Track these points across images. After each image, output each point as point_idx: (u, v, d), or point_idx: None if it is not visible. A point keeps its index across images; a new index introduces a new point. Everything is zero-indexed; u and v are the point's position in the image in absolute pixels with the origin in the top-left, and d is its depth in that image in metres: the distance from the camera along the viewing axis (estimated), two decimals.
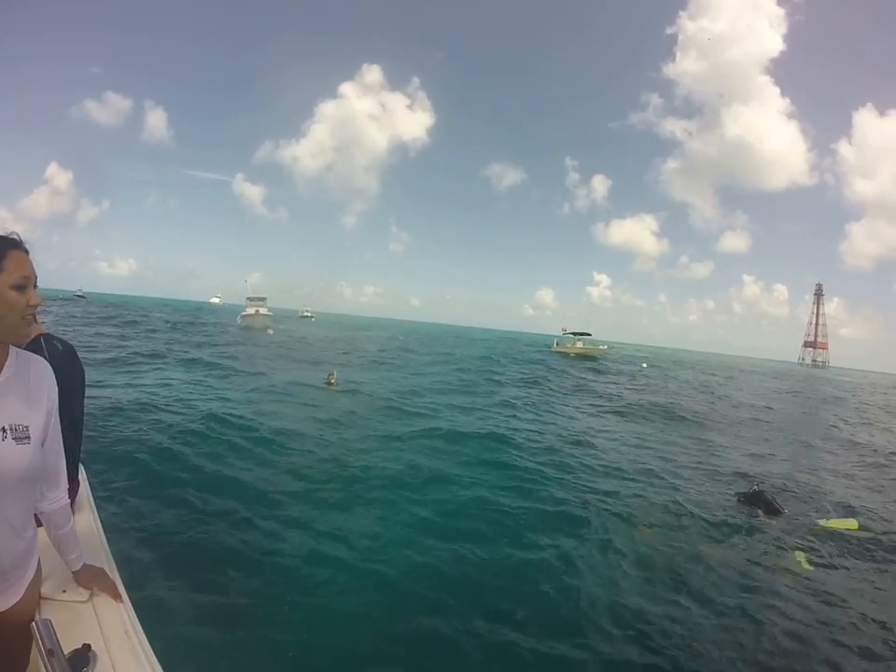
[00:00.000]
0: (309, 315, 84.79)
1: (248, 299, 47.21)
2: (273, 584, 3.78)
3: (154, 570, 3.66)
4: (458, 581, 4.10)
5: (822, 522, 6.21)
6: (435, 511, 5.53)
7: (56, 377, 1.31)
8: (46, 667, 0.80)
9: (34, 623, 0.85)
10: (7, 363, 1.15)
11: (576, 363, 34.09)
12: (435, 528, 5.09)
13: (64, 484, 1.35)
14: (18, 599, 1.23)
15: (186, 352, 18.00)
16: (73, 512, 1.55)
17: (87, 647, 1.14)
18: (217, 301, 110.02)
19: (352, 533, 4.77)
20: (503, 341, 70.92)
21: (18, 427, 1.13)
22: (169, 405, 9.07)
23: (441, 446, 8.29)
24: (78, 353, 1.91)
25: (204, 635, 3.11)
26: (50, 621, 0.87)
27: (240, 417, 8.66)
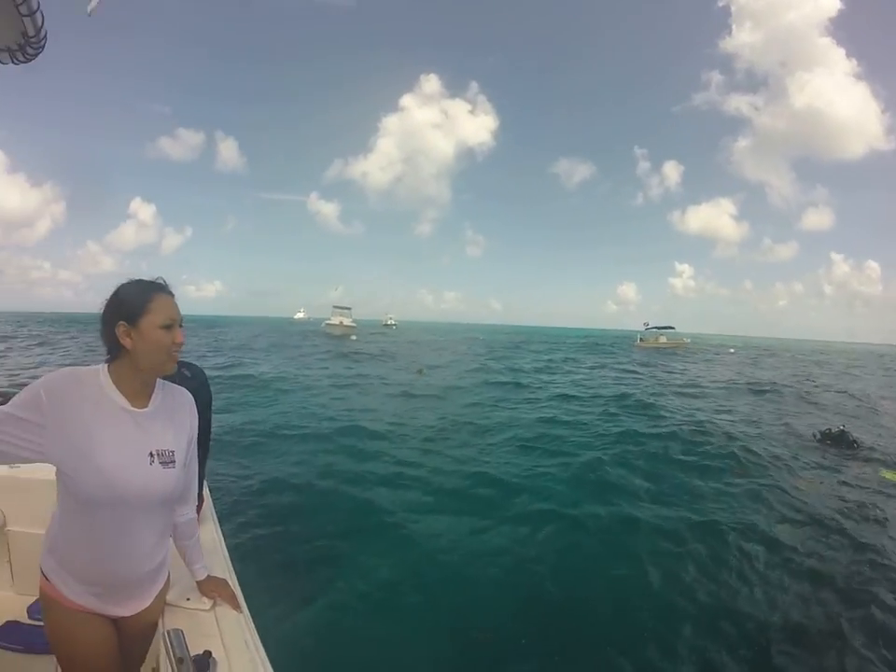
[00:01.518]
0: (392, 323, 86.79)
1: (334, 307, 50.85)
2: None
3: (271, 582, 3.76)
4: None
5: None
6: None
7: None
8: None
9: (165, 632, 0.93)
10: (154, 393, 1.27)
11: (659, 357, 34.08)
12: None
13: (194, 501, 1.48)
14: (147, 606, 1.34)
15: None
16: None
17: (208, 653, 1.18)
18: (301, 316, 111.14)
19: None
20: (582, 339, 67.20)
21: (164, 452, 1.24)
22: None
23: None
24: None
25: (318, 647, 3.19)
26: (182, 631, 0.94)
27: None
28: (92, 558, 1.23)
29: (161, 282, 1.25)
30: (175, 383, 1.59)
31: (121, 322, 1.17)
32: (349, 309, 51.91)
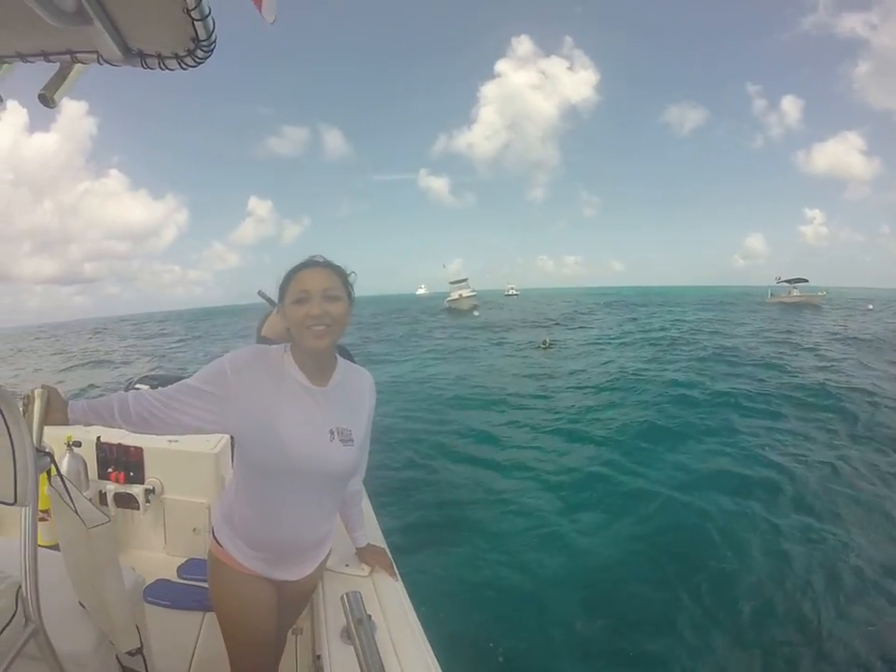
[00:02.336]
0: (514, 292, 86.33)
1: (451, 283, 49.92)
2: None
3: (420, 553, 4.15)
4: None
5: None
6: None
7: None
8: (353, 633, 0.89)
9: (345, 595, 0.94)
10: (335, 372, 1.29)
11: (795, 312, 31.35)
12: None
13: (363, 472, 1.50)
14: (310, 573, 1.38)
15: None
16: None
17: (368, 616, 1.20)
18: (422, 291, 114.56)
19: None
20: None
21: (343, 430, 1.25)
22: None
23: None
24: None
25: (466, 618, 3.41)
26: (360, 593, 0.95)
27: None
28: (266, 527, 1.27)
29: (311, 258, 1.24)
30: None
31: (280, 306, 1.24)
32: (465, 280, 49.95)
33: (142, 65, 1.01)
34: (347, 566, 1.57)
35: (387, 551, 1.67)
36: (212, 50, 0.93)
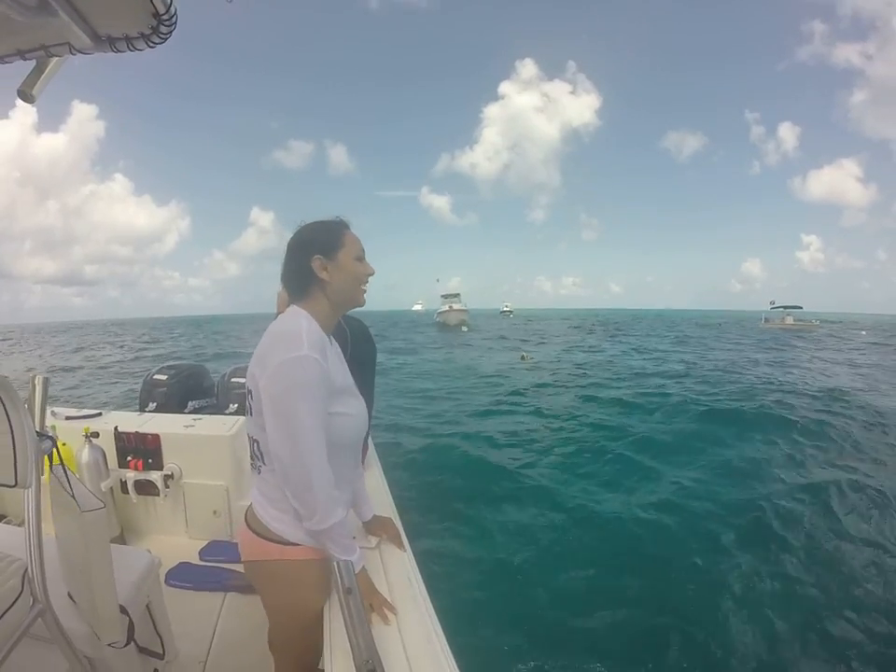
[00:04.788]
0: (508, 310, 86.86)
1: (442, 296, 49.74)
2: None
3: (432, 527, 4.24)
4: None
5: None
6: None
7: (354, 349, 1.70)
8: (342, 602, 0.89)
9: (336, 563, 0.92)
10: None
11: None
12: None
13: None
14: None
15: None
16: (364, 469, 1.82)
17: (357, 591, 1.21)
18: (419, 308, 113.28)
19: None
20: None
21: (353, 384, 1.27)
22: None
23: None
24: None
25: (473, 593, 3.43)
26: (351, 562, 0.95)
27: None
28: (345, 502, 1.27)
29: (343, 220, 1.26)
30: (345, 329, 1.80)
31: (317, 255, 1.17)
32: (458, 295, 49.73)
33: (112, 49, 1.01)
34: (354, 538, 1.56)
35: (397, 522, 1.64)
36: (174, 23, 0.93)
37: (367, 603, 1.39)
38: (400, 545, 1.53)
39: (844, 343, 28.18)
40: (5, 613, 1.02)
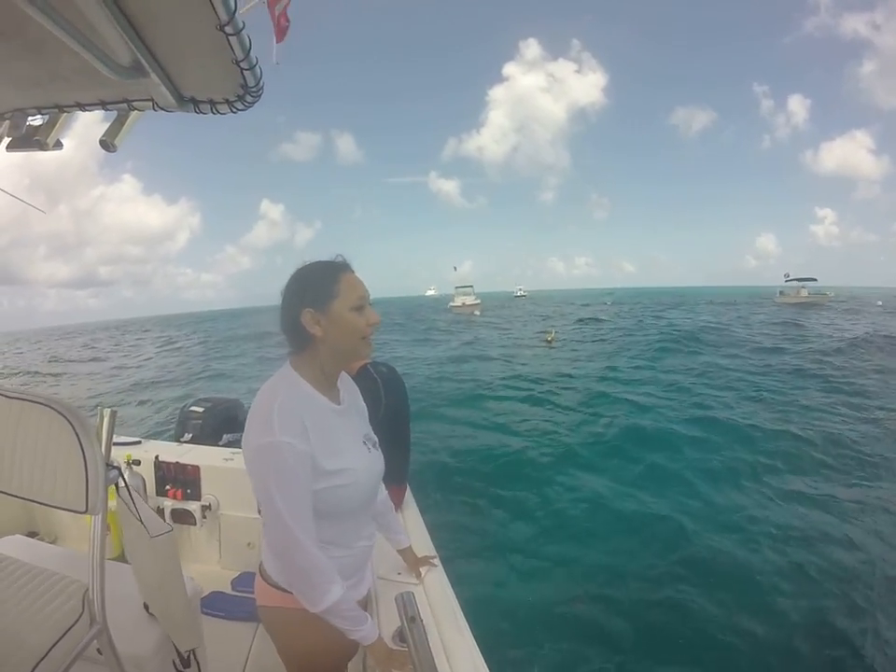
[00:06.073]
0: (523, 293, 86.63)
1: (456, 288, 52.07)
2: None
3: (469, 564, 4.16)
4: None
5: None
6: None
7: (387, 399, 1.72)
8: (408, 630, 0.91)
9: (399, 595, 0.94)
10: (339, 382, 1.21)
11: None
12: None
13: None
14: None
15: None
16: (401, 511, 1.97)
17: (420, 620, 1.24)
18: (432, 293, 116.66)
19: None
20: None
21: (369, 436, 1.24)
22: None
23: None
24: None
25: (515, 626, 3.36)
26: (412, 593, 0.97)
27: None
28: (341, 554, 1.18)
29: (342, 260, 1.13)
30: (376, 380, 1.82)
31: (307, 309, 1.06)
32: (471, 286, 51.92)
33: (195, 111, 1.11)
34: (399, 574, 1.63)
35: (437, 561, 1.70)
36: (260, 95, 1.02)
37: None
38: (443, 581, 1.59)
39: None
40: (67, 632, 1.06)
